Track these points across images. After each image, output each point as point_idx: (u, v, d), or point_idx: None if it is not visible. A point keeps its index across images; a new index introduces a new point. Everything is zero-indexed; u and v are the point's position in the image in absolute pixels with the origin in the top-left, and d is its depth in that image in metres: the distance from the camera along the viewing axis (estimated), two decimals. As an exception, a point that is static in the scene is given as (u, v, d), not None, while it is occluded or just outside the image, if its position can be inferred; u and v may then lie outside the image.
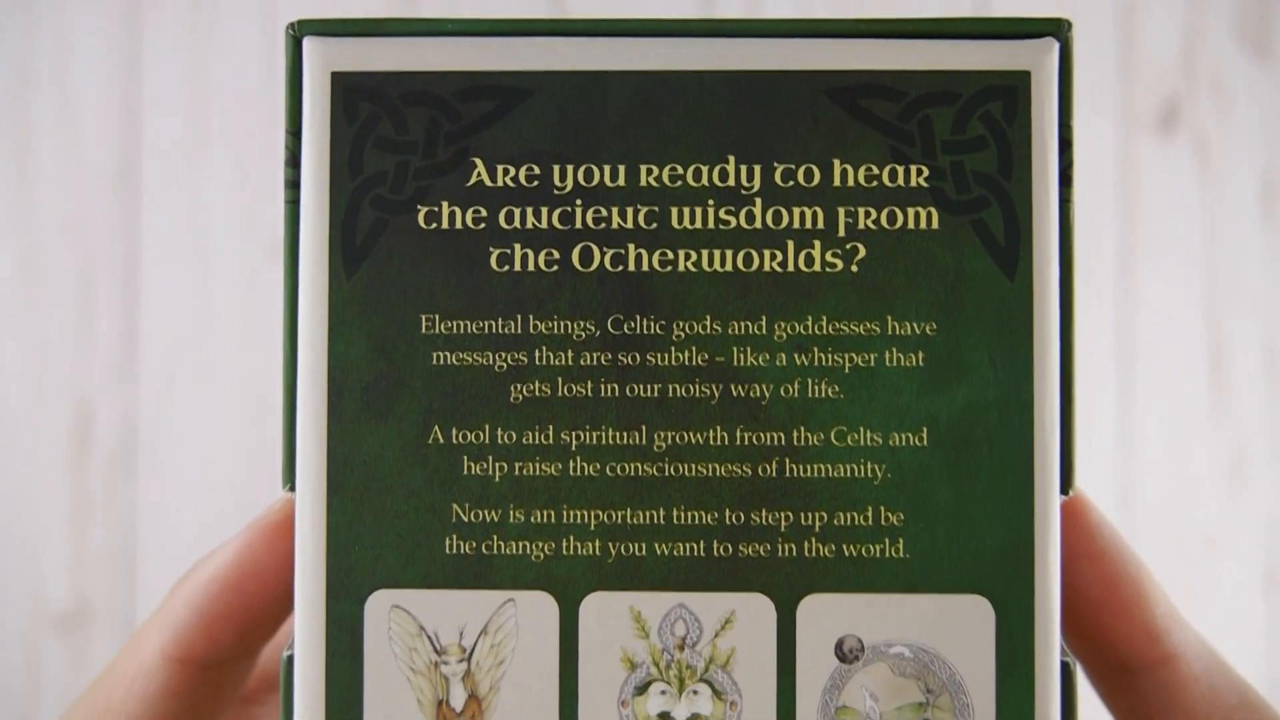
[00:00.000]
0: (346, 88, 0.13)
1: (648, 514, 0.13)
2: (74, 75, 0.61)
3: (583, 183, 0.13)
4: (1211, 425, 0.65)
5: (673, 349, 0.13)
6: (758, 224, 0.13)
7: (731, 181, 0.13)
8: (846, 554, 0.12)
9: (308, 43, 0.13)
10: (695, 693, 0.12)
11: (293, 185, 0.13)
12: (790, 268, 0.13)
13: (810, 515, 0.12)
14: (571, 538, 0.13)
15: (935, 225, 0.13)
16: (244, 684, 0.15)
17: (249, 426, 0.61)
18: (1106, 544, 0.14)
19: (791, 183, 0.13)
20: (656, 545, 0.13)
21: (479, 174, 0.13)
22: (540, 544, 0.13)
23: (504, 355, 0.13)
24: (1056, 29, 0.13)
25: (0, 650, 0.60)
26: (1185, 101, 0.65)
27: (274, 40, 0.61)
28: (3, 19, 0.61)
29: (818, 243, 0.13)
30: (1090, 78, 0.63)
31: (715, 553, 0.12)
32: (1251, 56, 0.66)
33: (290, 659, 0.13)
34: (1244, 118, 0.65)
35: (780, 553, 0.12)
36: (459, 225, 0.13)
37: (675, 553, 0.12)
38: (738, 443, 0.13)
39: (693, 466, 0.13)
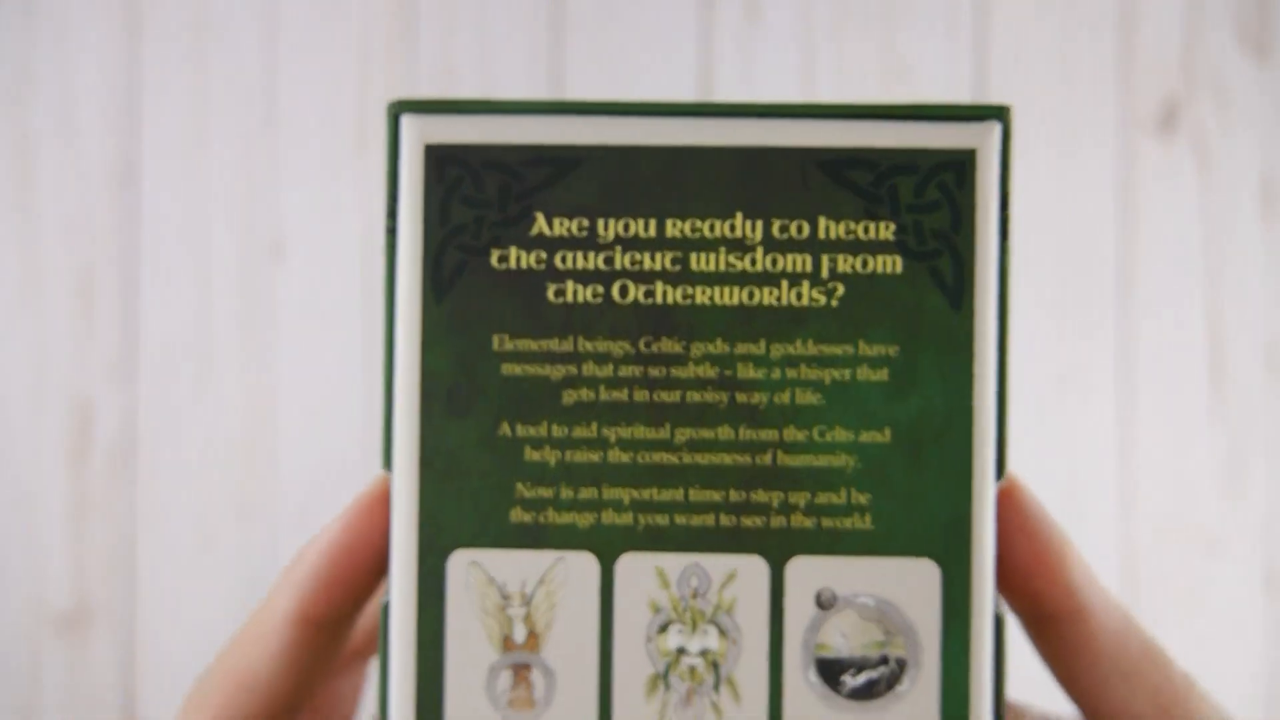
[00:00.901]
0: (437, 156, 0.17)
1: (669, 493, 0.17)
2: (74, 75, 0.63)
3: (621, 233, 0.17)
4: (1211, 425, 0.67)
5: (691, 364, 0.17)
6: (759, 267, 0.17)
7: (739, 234, 0.17)
8: (824, 525, 0.17)
9: (405, 119, 0.17)
10: (705, 631, 0.17)
11: (391, 231, 0.17)
12: (784, 302, 0.17)
13: (797, 495, 0.17)
14: (610, 510, 0.17)
15: (899, 269, 0.17)
16: (351, 640, 0.19)
17: (249, 426, 0.62)
18: (1036, 521, 0.18)
19: (786, 235, 0.17)
20: (676, 517, 0.17)
21: (540, 226, 0.17)
22: (585, 515, 0.17)
23: (558, 368, 0.17)
24: (1000, 114, 0.17)
25: (1, 649, 0.62)
26: (1185, 102, 0.67)
27: (274, 40, 0.63)
28: (3, 19, 0.63)
29: (806, 282, 0.17)
30: (1090, 79, 0.66)
31: (722, 523, 0.17)
32: (1251, 58, 0.68)
33: (387, 605, 0.17)
34: (1243, 118, 0.67)
35: (773, 524, 0.17)
36: (524, 265, 0.17)
37: (690, 523, 0.17)
38: (740, 438, 0.17)
39: (705, 456, 0.17)
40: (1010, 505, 0.18)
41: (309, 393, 0.64)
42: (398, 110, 0.18)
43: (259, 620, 0.18)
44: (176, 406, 0.62)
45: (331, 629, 0.18)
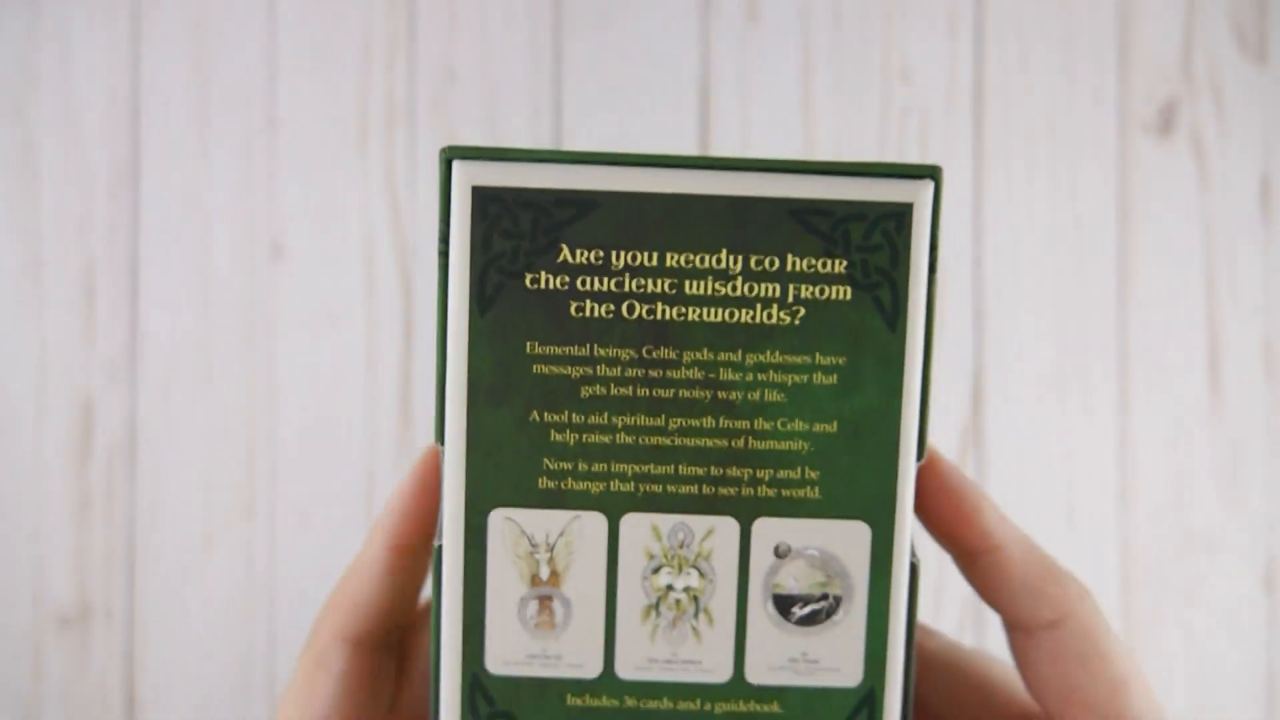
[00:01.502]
0: (482, 196, 0.22)
1: (663, 468, 0.23)
2: (76, 76, 0.64)
3: (630, 263, 0.22)
4: (1210, 425, 0.68)
5: (682, 368, 0.23)
6: (738, 293, 0.23)
7: (723, 266, 0.22)
8: (783, 495, 0.23)
9: (456, 165, 0.23)
10: (688, 573, 0.23)
11: (444, 255, 0.23)
12: (758, 320, 0.23)
13: (762, 471, 0.23)
14: (616, 481, 0.23)
15: (848, 297, 0.23)
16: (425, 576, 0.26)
17: (249, 426, 0.64)
18: (953, 483, 0.25)
19: (760, 267, 0.22)
20: (668, 486, 0.23)
21: (564, 255, 0.22)
22: (597, 483, 0.23)
23: (577, 369, 0.23)
24: (933, 173, 0.23)
25: (4, 647, 0.64)
26: (1184, 103, 0.69)
27: (275, 41, 0.65)
28: (6, 20, 0.64)
29: (774, 305, 0.23)
30: (1089, 80, 0.68)
31: (703, 492, 0.23)
32: (1250, 59, 0.69)
33: (440, 549, 0.23)
34: (1242, 119, 0.68)
35: (743, 493, 0.23)
36: (551, 287, 0.22)
37: (679, 491, 0.23)
38: (720, 426, 0.23)
39: (692, 440, 0.23)
40: (932, 473, 0.25)
41: (309, 393, 0.65)
42: (450, 156, 0.23)
43: (364, 555, 0.25)
44: (176, 406, 0.64)
45: (415, 554, 0.25)
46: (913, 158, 0.67)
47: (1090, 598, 0.25)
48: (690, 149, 0.66)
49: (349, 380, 0.66)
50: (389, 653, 0.27)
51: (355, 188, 0.66)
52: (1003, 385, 0.68)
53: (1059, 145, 0.69)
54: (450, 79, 0.67)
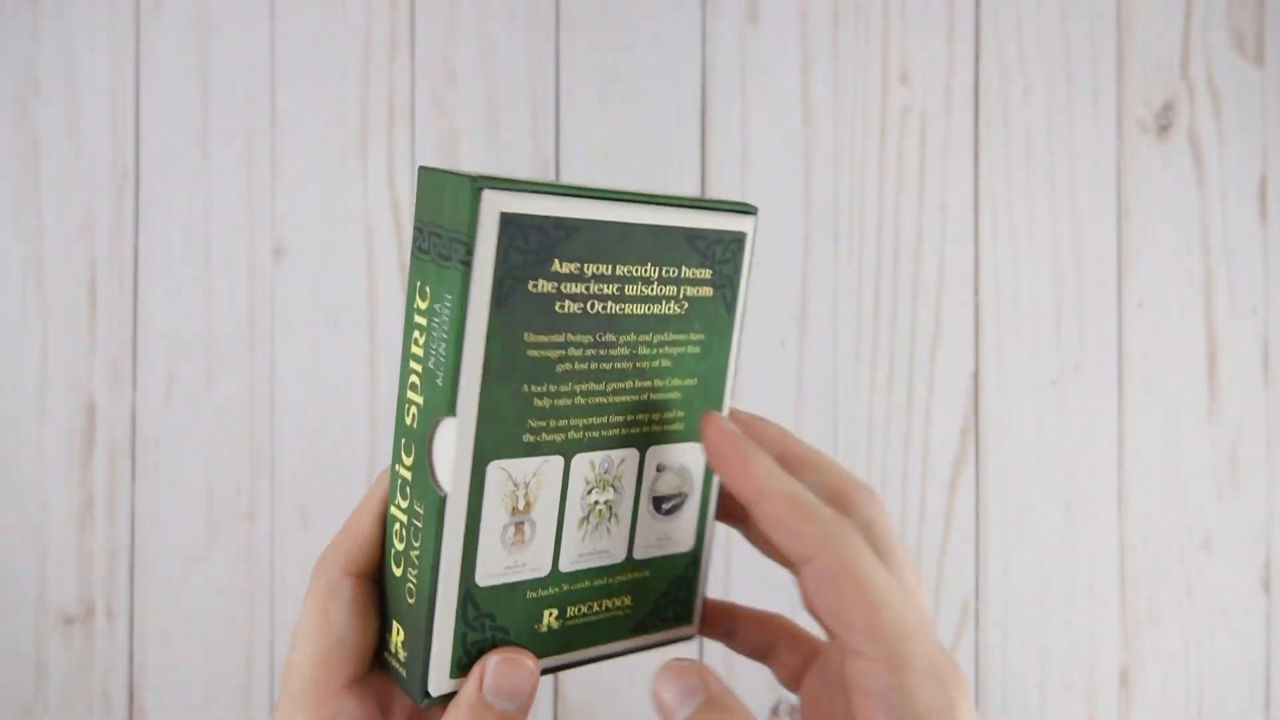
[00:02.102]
0: (505, 219, 0.31)
1: (600, 419, 0.35)
2: (78, 78, 0.70)
3: (595, 273, 0.33)
4: (1209, 424, 0.74)
5: (617, 347, 0.34)
6: (654, 293, 0.34)
7: (647, 274, 0.34)
8: (665, 430, 0.36)
9: (485, 193, 0.29)
10: (608, 490, 0.36)
11: (466, 264, 0.30)
12: (662, 312, 0.35)
13: (655, 415, 0.35)
14: (571, 431, 0.34)
15: (710, 294, 0.35)
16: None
17: (249, 426, 0.70)
18: (735, 443, 0.34)
19: (667, 274, 0.35)
20: (601, 432, 0.35)
21: (555, 266, 0.32)
22: (559, 435, 0.34)
23: (556, 351, 0.33)
24: (754, 210, 0.35)
25: (7, 645, 0.69)
26: (1182, 105, 0.73)
27: (275, 41, 0.71)
28: (8, 24, 0.69)
29: (673, 302, 0.35)
30: (1088, 81, 0.73)
31: (621, 433, 0.35)
32: (1248, 61, 0.74)
33: (444, 499, 0.32)
34: (1240, 121, 0.74)
35: (642, 431, 0.35)
36: (545, 290, 0.32)
37: (608, 434, 0.35)
38: (635, 386, 0.35)
39: (619, 397, 0.35)
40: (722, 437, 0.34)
41: (309, 393, 0.71)
42: (480, 185, 0.29)
43: (362, 504, 0.34)
44: (177, 407, 0.69)
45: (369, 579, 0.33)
46: (912, 158, 0.73)
47: (847, 534, 0.31)
48: (690, 149, 0.71)
49: (349, 380, 0.71)
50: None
51: (355, 188, 0.71)
52: (1003, 385, 0.74)
53: (1058, 146, 0.74)
54: (450, 79, 0.73)
